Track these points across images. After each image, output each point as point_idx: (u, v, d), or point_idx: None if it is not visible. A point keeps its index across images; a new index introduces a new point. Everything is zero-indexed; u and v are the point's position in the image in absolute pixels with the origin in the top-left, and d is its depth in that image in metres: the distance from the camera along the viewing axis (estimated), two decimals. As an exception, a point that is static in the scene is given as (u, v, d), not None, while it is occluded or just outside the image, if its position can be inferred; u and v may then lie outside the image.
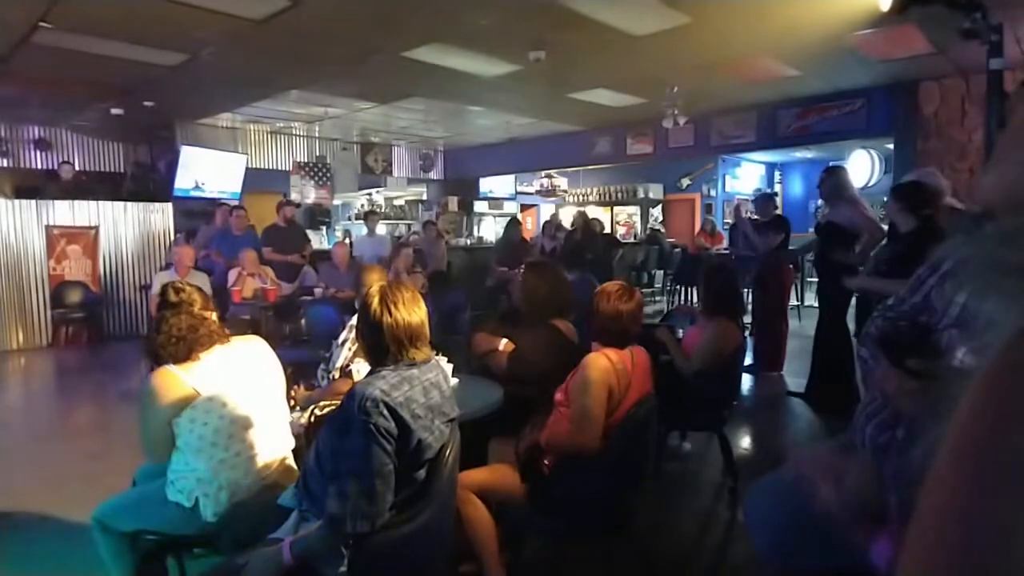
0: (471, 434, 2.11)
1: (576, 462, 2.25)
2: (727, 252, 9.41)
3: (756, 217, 6.26)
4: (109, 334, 8.08)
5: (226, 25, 5.14)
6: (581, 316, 3.14)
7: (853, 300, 4.85)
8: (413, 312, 1.78)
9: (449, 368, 2.77)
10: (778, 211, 6.69)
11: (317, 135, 10.78)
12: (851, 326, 4.83)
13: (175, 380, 1.96)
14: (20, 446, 4.42)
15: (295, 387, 2.68)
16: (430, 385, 1.77)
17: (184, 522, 1.96)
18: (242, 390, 2.04)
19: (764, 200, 6.36)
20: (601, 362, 2.26)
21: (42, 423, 5.11)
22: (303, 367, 3.88)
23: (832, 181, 4.80)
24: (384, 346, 1.74)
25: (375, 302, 1.77)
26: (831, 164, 5.78)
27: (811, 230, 6.06)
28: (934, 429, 0.67)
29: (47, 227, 7.91)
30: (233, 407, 1.99)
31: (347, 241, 8.90)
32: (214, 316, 2.14)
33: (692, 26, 5.28)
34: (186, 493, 1.96)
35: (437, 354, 2.80)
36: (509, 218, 10.22)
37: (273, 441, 2.09)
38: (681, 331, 3.79)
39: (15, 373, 6.94)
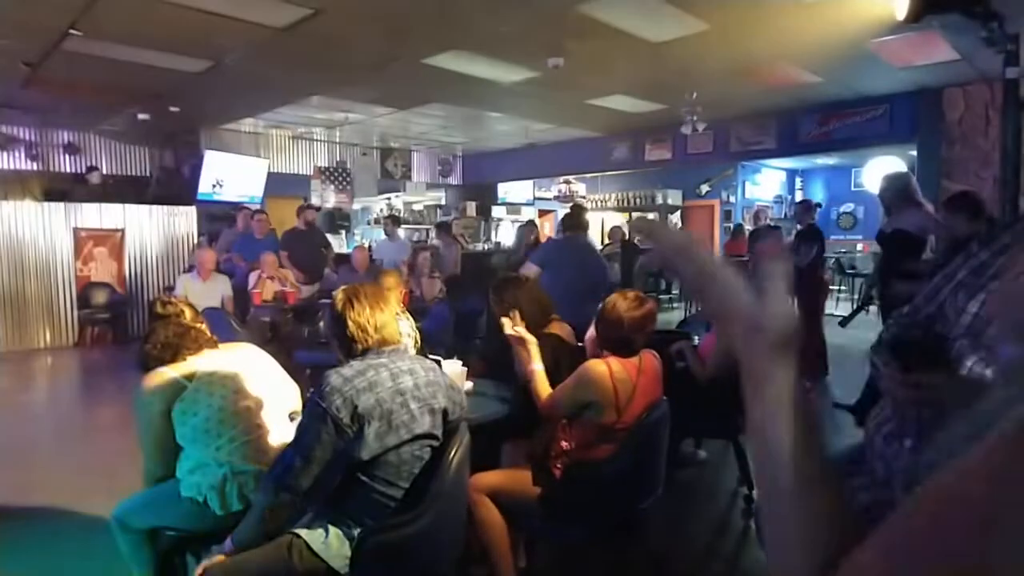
0: (484, 437, 2.13)
1: (589, 468, 2.25)
2: (745, 259, 9.32)
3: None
4: (134, 334, 8.22)
5: (250, 32, 5.23)
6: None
7: None
8: (377, 308, 1.88)
9: (464, 371, 2.80)
10: (813, 221, 6.19)
11: (338, 140, 10.91)
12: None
13: (163, 375, 2.07)
14: (46, 441, 4.52)
15: (312, 390, 2.71)
16: (399, 371, 1.84)
17: (198, 517, 2.01)
18: (231, 382, 2.12)
19: (803, 210, 6.23)
20: (598, 368, 2.27)
21: (67, 420, 5.21)
22: (321, 369, 3.93)
23: (898, 185, 4.45)
24: (348, 338, 1.84)
25: (340, 300, 1.89)
26: (890, 171, 5.09)
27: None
28: (939, 440, 0.68)
29: (75, 229, 8.10)
30: (222, 395, 2.07)
31: (367, 245, 8.97)
32: (204, 327, 2.26)
33: (711, 32, 5.26)
34: (196, 488, 2.01)
35: (452, 358, 2.84)
36: (526, 221, 10.20)
37: (271, 430, 2.14)
38: (697, 338, 3.77)
39: (42, 371, 7.10)
